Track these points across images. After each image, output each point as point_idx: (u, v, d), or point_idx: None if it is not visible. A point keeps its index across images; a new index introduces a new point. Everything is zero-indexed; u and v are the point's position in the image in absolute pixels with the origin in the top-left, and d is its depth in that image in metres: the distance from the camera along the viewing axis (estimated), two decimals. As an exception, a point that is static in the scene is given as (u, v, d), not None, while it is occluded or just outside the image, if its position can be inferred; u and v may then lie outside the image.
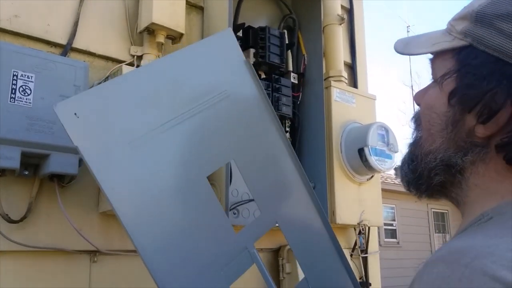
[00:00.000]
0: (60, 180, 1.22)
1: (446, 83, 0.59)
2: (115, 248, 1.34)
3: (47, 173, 1.14)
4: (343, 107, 1.95)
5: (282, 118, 1.81)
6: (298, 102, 1.87)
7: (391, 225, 11.42)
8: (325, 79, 1.90)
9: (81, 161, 1.19)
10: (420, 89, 0.69)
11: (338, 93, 1.95)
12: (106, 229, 1.34)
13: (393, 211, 12.42)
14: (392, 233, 10.62)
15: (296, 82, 1.87)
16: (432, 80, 0.64)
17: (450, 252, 0.46)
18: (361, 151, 1.82)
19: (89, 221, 1.30)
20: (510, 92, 0.52)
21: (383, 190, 2.05)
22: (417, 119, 0.67)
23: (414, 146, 0.66)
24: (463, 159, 0.57)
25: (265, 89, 1.67)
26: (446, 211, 10.53)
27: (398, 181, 10.02)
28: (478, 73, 0.54)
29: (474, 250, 0.44)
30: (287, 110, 1.76)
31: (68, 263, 1.26)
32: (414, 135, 0.67)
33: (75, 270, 1.26)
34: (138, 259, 1.39)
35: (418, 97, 0.68)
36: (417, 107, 0.70)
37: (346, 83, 2.03)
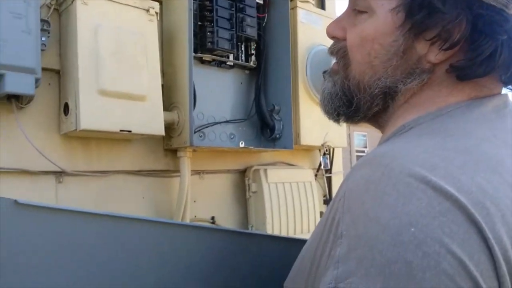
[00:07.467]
0: (18, 101, 1.20)
1: (398, 12, 0.56)
2: (81, 169, 1.35)
3: (2, 93, 1.11)
4: (309, 29, 1.93)
5: (247, 40, 1.78)
6: (264, 24, 1.83)
7: (363, 152, 11.82)
8: (291, 0, 1.85)
9: (37, 81, 1.17)
10: (334, 21, 0.66)
11: (304, 14, 1.92)
12: (69, 150, 1.34)
13: (365, 138, 12.77)
14: (364, 159, 10.95)
15: (262, 2, 1.82)
16: (355, 9, 0.61)
17: (373, 156, 0.50)
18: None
19: (51, 143, 1.30)
20: (469, 19, 0.52)
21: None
22: (341, 52, 0.64)
23: (343, 79, 0.63)
24: (406, 86, 0.57)
25: (228, 9, 1.64)
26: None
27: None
28: (437, 1, 0.52)
29: (392, 152, 0.49)
30: (251, 32, 1.72)
31: (34, 184, 1.27)
32: (340, 67, 0.65)
33: (41, 190, 1.28)
34: (105, 179, 1.42)
35: (337, 30, 0.65)
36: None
37: (313, 4, 1.99)
